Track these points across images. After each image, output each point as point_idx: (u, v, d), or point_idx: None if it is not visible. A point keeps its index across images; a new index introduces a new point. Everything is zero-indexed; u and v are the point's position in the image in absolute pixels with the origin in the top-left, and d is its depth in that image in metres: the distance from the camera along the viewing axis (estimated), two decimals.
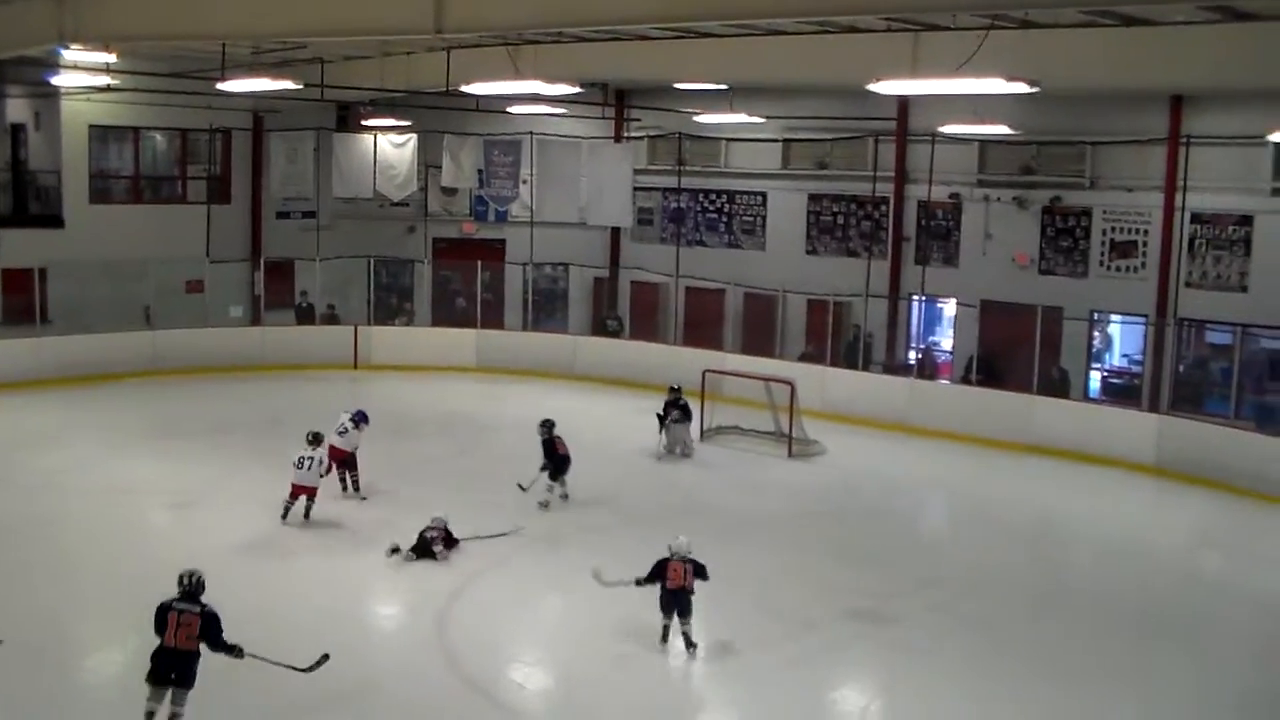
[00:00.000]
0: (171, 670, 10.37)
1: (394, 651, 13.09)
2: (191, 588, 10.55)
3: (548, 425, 17.64)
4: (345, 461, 17.59)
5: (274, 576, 14.65)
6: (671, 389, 21.17)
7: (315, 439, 16.51)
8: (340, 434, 17.60)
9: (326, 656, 11.18)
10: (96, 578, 14.37)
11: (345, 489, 17.66)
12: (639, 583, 12.96)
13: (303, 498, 16.23)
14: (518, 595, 14.54)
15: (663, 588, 12.81)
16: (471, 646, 12.84)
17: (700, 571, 12.89)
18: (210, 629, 10.45)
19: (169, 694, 10.40)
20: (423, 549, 15.24)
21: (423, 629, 13.39)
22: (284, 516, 16.27)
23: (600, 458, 20.69)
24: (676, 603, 12.79)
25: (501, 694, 11.92)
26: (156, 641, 10.38)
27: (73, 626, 13.23)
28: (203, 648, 10.45)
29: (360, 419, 17.88)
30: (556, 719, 11.60)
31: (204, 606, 10.53)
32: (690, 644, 12.74)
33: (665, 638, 12.88)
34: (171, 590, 10.44)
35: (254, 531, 16.05)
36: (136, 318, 26.19)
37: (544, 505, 17.42)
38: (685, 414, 20.99)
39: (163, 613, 10.46)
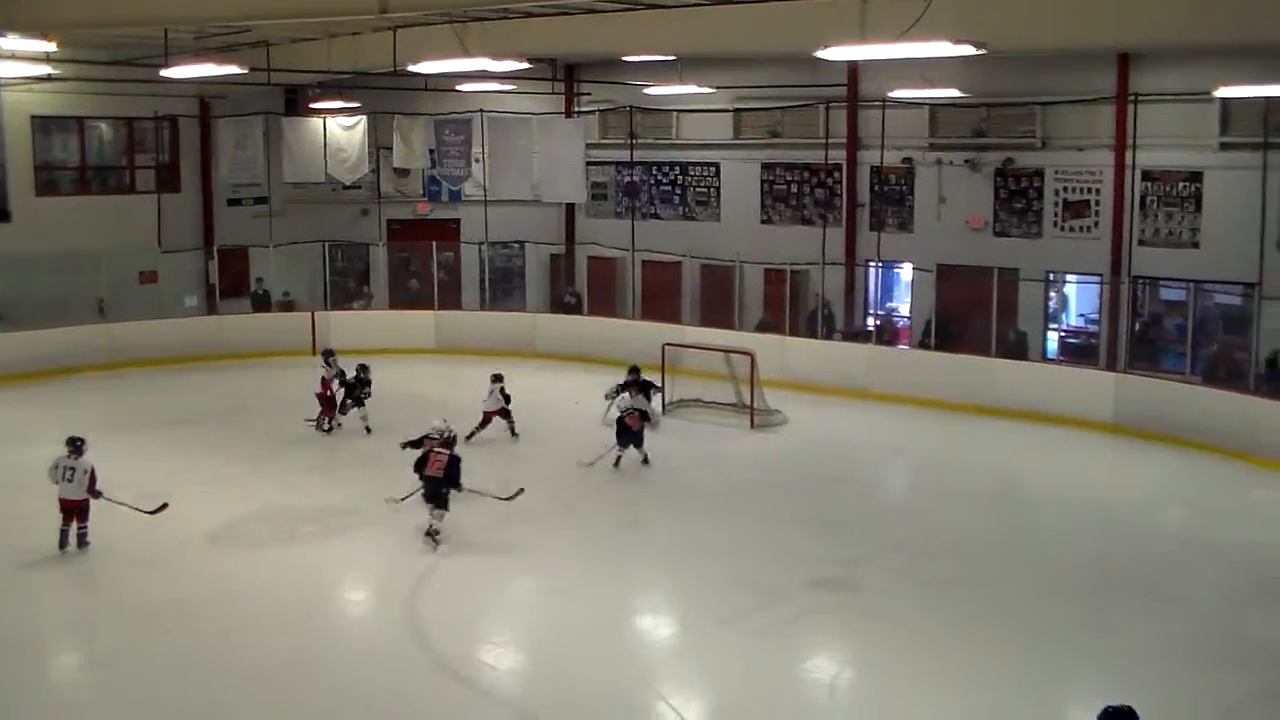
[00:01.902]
0: (433, 491, 15.05)
1: (364, 635, 13.07)
2: (449, 438, 15.68)
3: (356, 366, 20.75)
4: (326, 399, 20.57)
5: (242, 566, 14.57)
6: (631, 369, 21.05)
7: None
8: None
9: (522, 490, 15.94)
10: (64, 574, 14.26)
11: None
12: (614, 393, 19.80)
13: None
14: (486, 575, 14.51)
15: (623, 428, 18.42)
16: (441, 628, 12.82)
17: (645, 416, 18.57)
18: (451, 467, 15.08)
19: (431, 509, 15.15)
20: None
21: (392, 612, 13.36)
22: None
23: (564, 434, 20.70)
24: (632, 438, 18.42)
25: (473, 675, 11.91)
26: None
27: (43, 623, 13.13)
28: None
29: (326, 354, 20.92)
30: (529, 699, 11.57)
31: (454, 452, 15.30)
32: (646, 460, 18.62)
33: (617, 464, 18.50)
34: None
35: (219, 522, 15.96)
36: (89, 310, 25.94)
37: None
38: (645, 390, 20.94)
39: (427, 453, 15.37)
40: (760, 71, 26.74)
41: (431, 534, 15.04)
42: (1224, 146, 22.51)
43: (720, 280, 27.03)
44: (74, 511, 14.75)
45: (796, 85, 26.44)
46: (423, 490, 15.31)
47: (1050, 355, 24.63)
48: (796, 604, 13.58)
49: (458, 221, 30.70)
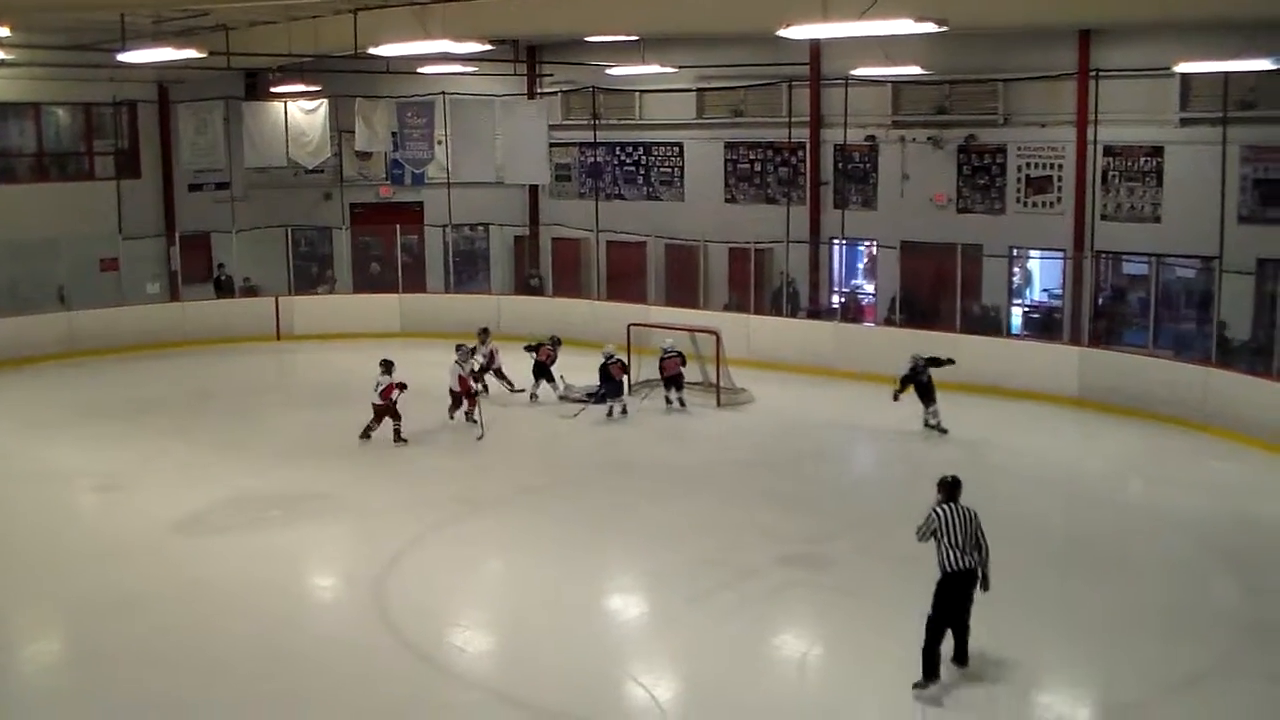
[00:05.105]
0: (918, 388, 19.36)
1: (332, 620, 13.01)
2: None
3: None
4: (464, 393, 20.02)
5: (209, 552, 14.46)
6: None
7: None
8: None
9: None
10: (28, 564, 14.14)
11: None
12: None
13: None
14: (455, 559, 14.51)
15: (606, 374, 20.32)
16: (411, 613, 12.78)
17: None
18: None
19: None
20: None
21: (361, 597, 13.29)
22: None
23: (529, 416, 20.67)
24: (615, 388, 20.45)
25: (442, 658, 11.89)
26: None
27: (7, 614, 13.02)
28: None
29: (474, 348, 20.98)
30: (498, 682, 11.56)
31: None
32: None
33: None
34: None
35: (185, 510, 15.84)
36: (50, 299, 25.68)
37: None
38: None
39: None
40: (723, 51, 26.72)
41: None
42: (1184, 121, 22.70)
43: (685, 260, 27.04)
44: (380, 415, 18.48)
45: (759, 64, 26.44)
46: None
47: (1015, 330, 24.76)
48: (766, 581, 13.61)
49: (421, 204, 30.58)
